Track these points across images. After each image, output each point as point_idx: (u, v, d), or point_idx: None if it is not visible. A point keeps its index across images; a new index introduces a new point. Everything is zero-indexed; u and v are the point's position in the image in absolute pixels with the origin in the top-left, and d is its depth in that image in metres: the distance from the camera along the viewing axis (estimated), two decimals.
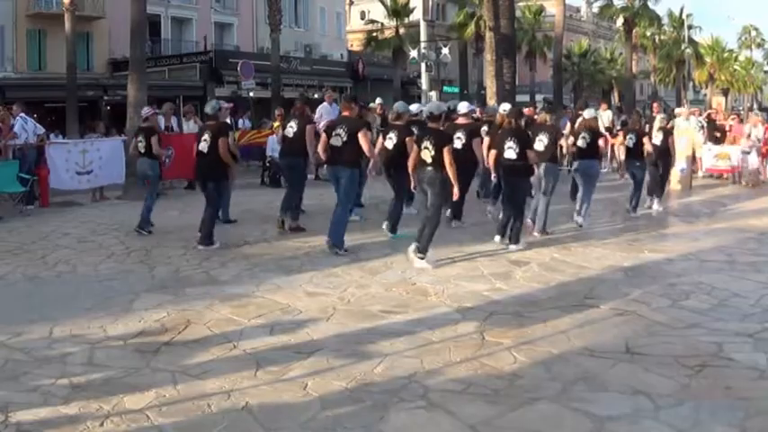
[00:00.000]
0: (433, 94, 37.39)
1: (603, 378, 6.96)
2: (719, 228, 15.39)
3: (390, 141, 14.09)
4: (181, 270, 11.66)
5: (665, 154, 17.71)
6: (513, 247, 12.88)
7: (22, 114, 19.78)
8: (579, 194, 15.46)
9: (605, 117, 27.77)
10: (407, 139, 13.47)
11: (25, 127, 19.47)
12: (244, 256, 12.57)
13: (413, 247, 11.79)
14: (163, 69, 48.11)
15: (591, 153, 15.31)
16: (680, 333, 8.33)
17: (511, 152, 13.09)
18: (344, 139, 12.60)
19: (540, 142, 14.01)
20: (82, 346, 7.98)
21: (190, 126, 22.58)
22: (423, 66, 37.36)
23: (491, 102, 27.46)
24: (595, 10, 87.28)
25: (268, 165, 23.23)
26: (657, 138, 17.59)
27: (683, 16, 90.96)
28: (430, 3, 38.76)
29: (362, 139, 12.61)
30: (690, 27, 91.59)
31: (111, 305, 9.59)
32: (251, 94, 36.47)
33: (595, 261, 12.05)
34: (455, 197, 12.19)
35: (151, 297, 10.00)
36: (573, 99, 74.85)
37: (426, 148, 11.78)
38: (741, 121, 30.94)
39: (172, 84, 45.90)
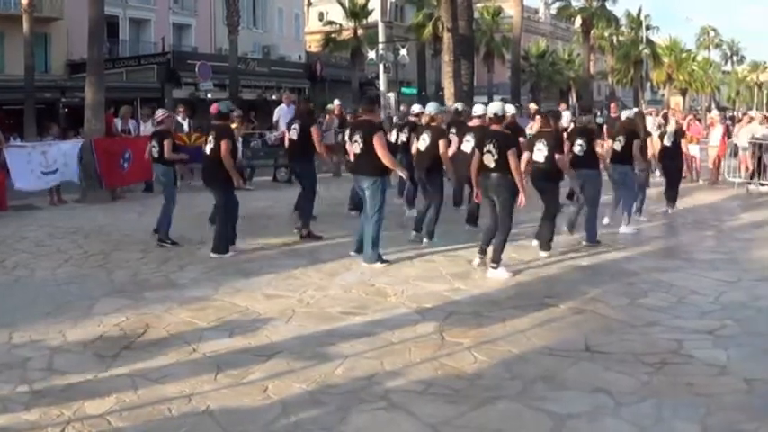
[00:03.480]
0: (391, 95, 37.40)
1: (563, 376, 7.00)
2: (677, 226, 15.53)
3: (423, 143, 13.73)
4: (139, 274, 11.59)
5: (676, 157, 17.52)
6: (543, 254, 12.59)
7: None
8: (618, 202, 15.08)
9: (564, 117, 27.87)
10: (441, 141, 13.37)
11: None
12: (202, 259, 12.51)
13: (477, 260, 11.67)
14: (121, 71, 47.79)
15: (625, 158, 14.71)
16: (639, 331, 8.40)
17: (539, 155, 12.70)
18: (362, 145, 11.83)
19: (579, 146, 13.48)
20: (41, 352, 7.91)
21: (148, 128, 22.44)
22: (381, 67, 37.33)
23: (449, 103, 27.50)
24: (553, 11, 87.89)
25: None
26: (669, 140, 17.45)
27: (641, 17, 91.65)
28: (388, 4, 38.64)
29: (377, 143, 11.75)
30: (648, 28, 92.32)
31: (70, 310, 9.51)
32: (209, 95, 36.37)
33: (554, 260, 12.10)
34: (522, 203, 11.38)
35: (110, 301, 9.92)
36: (530, 100, 75.14)
37: (489, 152, 11.27)
38: (699, 120, 31.32)
39: (129, 86, 45.62)
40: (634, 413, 6.18)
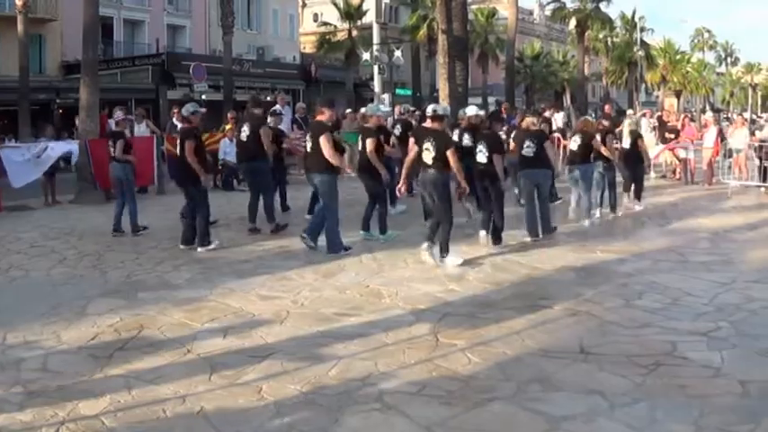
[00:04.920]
0: (386, 96, 37.42)
1: (558, 378, 7.00)
2: (672, 228, 15.51)
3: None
4: (133, 274, 11.58)
5: (634, 157, 17.78)
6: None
7: None
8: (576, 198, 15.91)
9: (558, 119, 27.99)
10: (368, 140, 13.73)
11: None
12: (197, 259, 12.52)
13: (425, 246, 11.85)
14: (115, 72, 47.75)
15: (583, 157, 15.51)
16: (633, 332, 8.40)
17: (481, 156, 13.00)
18: (311, 144, 12.61)
19: (529, 148, 13.80)
20: (36, 352, 7.91)
21: (141, 129, 22.47)
22: (375, 68, 37.36)
23: (443, 103, 27.50)
24: (548, 13, 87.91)
25: (221, 168, 23.10)
26: (627, 141, 17.67)
27: (636, 19, 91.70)
28: (383, 5, 38.74)
29: (323, 142, 12.40)
30: (642, 29, 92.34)
31: (65, 310, 9.51)
32: (203, 96, 36.27)
33: (548, 262, 12.10)
34: (466, 191, 12.26)
35: (104, 302, 9.92)
36: (525, 101, 75.24)
37: (427, 149, 11.61)
38: (693, 120, 31.41)
39: (124, 87, 45.63)
40: (628, 415, 6.18)
